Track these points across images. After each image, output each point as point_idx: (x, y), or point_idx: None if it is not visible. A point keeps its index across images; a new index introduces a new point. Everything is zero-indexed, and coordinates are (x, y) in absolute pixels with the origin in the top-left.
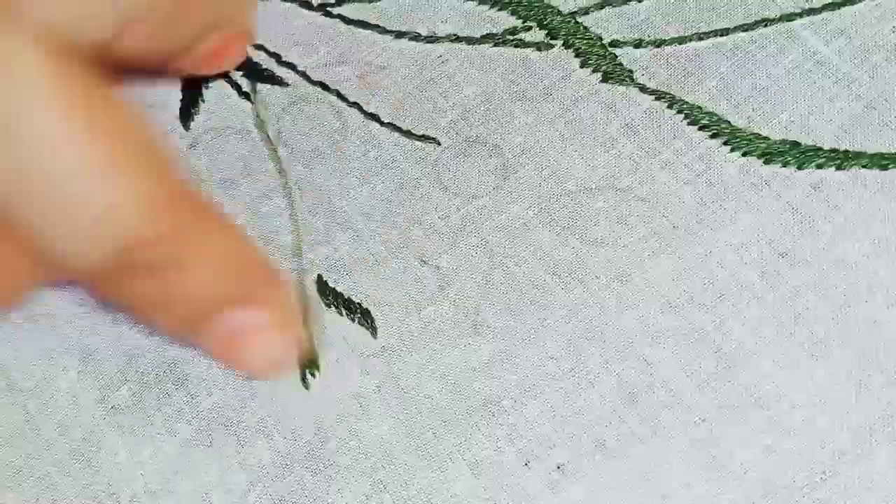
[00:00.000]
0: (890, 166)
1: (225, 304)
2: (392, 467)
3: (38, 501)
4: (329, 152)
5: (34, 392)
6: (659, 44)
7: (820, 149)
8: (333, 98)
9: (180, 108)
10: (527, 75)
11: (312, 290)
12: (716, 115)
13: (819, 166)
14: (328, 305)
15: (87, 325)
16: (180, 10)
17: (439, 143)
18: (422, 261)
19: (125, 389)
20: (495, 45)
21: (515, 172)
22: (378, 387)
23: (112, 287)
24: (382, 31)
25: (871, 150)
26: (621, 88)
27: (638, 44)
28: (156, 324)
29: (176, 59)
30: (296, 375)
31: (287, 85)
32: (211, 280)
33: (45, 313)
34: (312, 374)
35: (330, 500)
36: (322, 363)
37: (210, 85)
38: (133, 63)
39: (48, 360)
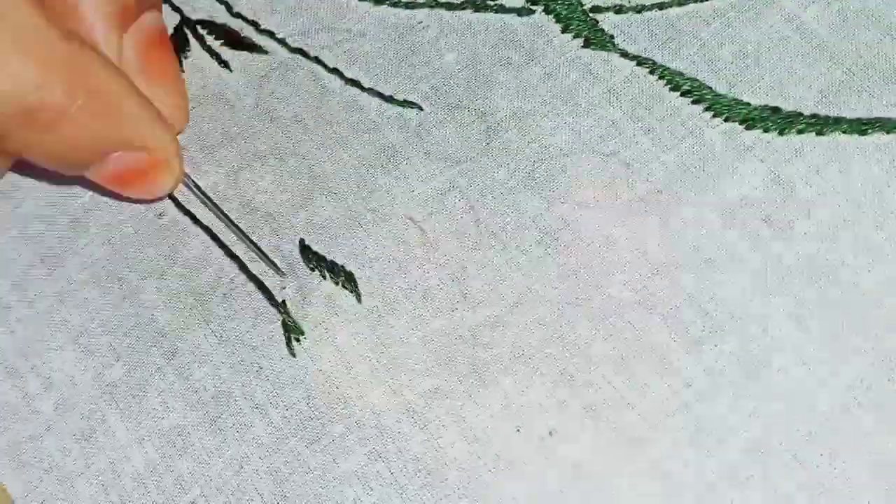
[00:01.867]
0: (869, 131)
1: (108, 148)
2: (385, 436)
3: (42, 482)
4: (309, 118)
5: (32, 373)
6: (640, 9)
7: (801, 114)
8: (313, 65)
9: None
10: (508, 41)
11: (295, 252)
12: (697, 80)
13: (800, 132)
14: (311, 269)
15: (77, 301)
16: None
17: (422, 109)
18: (410, 219)
19: (119, 366)
20: (476, 10)
21: (499, 137)
22: (366, 353)
23: (12, 142)
24: None
25: (850, 116)
26: (603, 54)
27: (619, 9)
28: (53, 169)
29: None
30: (282, 341)
31: (266, 52)
32: (96, 128)
33: (37, 292)
34: (297, 340)
35: (325, 471)
36: (307, 328)
37: (189, 54)
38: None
39: (42, 340)
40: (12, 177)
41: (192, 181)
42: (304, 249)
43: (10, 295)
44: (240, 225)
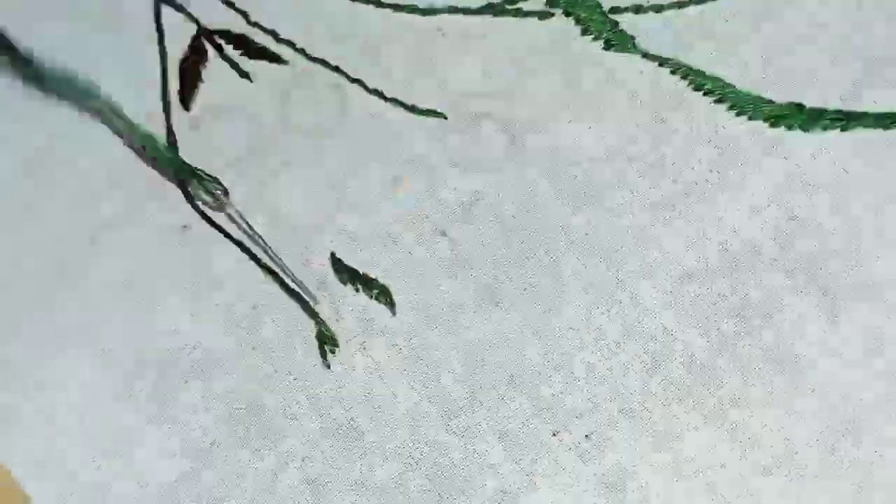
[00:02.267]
0: (893, 125)
1: None
2: (422, 443)
3: (73, 495)
4: (333, 129)
5: (56, 386)
6: (659, 9)
7: (825, 110)
8: (335, 75)
9: (179, 90)
10: (528, 46)
11: (327, 267)
12: (719, 79)
13: (824, 128)
14: (344, 283)
15: (101, 314)
16: None
17: (445, 118)
18: (442, 233)
19: (146, 378)
20: (495, 15)
21: (524, 145)
22: (400, 364)
23: None
24: (380, 4)
25: (873, 111)
26: (625, 56)
27: (638, 9)
28: None
29: None
30: (315, 352)
31: (286, 62)
32: None
33: (59, 306)
34: (332, 352)
35: (363, 479)
36: (341, 341)
37: (208, 65)
38: None
39: (65, 354)
40: (31, 194)
41: (238, 213)
42: (337, 263)
43: (33, 308)
44: (269, 238)
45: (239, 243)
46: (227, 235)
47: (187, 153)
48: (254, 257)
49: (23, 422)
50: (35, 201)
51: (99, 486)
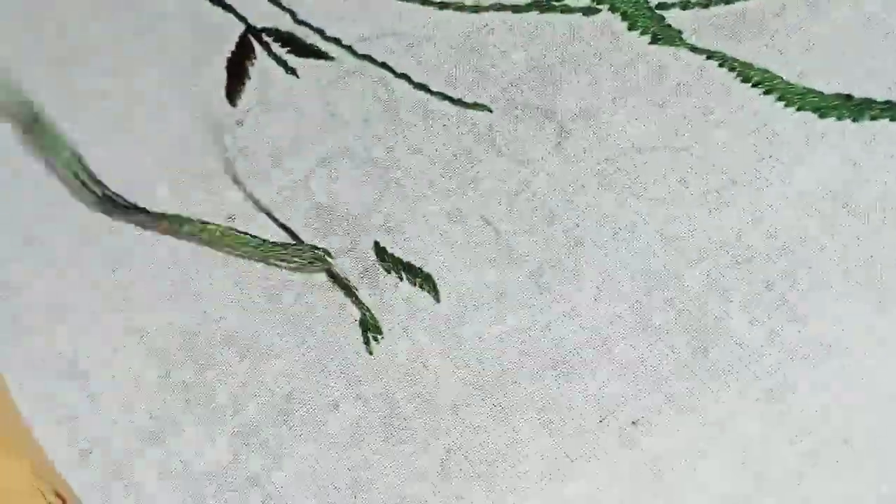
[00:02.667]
0: None
1: None
2: (465, 430)
3: (111, 483)
4: (379, 123)
5: (98, 374)
6: (706, 4)
7: (873, 101)
8: (381, 70)
9: (226, 86)
10: (575, 40)
11: (372, 256)
12: (768, 71)
13: (873, 118)
14: (388, 270)
15: (143, 302)
16: None
17: (491, 111)
18: (485, 221)
19: (189, 365)
20: (541, 11)
21: (570, 136)
22: (444, 350)
23: None
24: (425, 2)
25: None
26: (671, 49)
27: (685, 5)
28: None
29: None
30: (357, 339)
31: (333, 59)
32: None
33: (101, 294)
34: (375, 339)
35: (405, 466)
36: (385, 328)
37: (255, 62)
38: None
39: (108, 342)
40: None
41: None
42: (381, 252)
43: (75, 297)
44: (314, 228)
45: (286, 227)
46: (274, 220)
47: (233, 149)
48: (300, 244)
49: (67, 410)
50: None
51: (138, 474)
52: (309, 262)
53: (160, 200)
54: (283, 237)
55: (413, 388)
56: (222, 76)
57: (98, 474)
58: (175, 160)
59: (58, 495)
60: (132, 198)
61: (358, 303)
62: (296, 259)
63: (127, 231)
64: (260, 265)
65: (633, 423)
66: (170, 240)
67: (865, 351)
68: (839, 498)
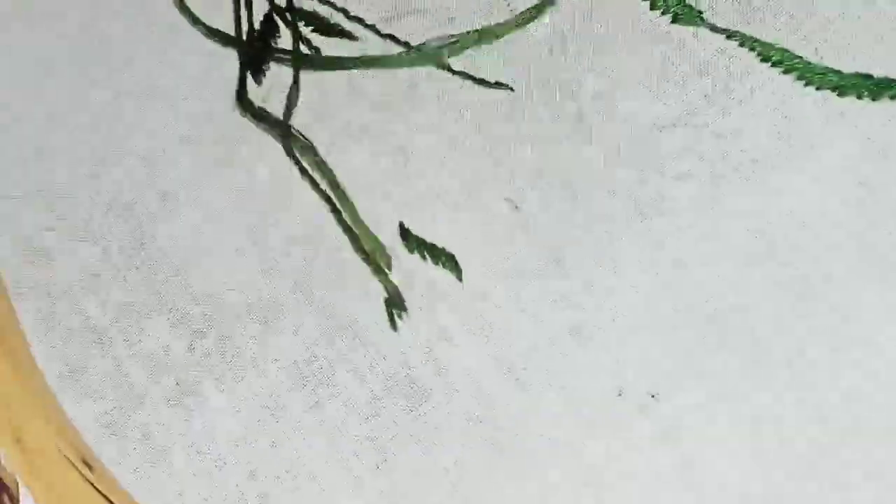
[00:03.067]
0: None
1: None
2: (484, 399)
3: (136, 450)
4: (401, 101)
5: (124, 343)
6: None
7: (893, 80)
8: (404, 49)
9: (251, 65)
10: (596, 19)
11: (395, 234)
12: (787, 51)
13: (893, 97)
14: (411, 251)
15: (168, 273)
16: None
17: (512, 90)
18: (506, 199)
19: (212, 335)
20: None
21: (590, 114)
22: (463, 321)
23: None
24: None
25: None
26: (691, 29)
27: None
28: None
29: None
30: (380, 312)
31: (356, 39)
32: None
33: (127, 263)
34: (400, 316)
35: (426, 436)
36: (409, 306)
37: (279, 41)
38: None
39: (135, 311)
40: (102, 151)
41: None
42: (404, 231)
43: (101, 266)
44: (334, 202)
45: (322, 192)
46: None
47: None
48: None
49: (95, 377)
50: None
51: (163, 441)
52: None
53: (186, 170)
54: (303, 209)
55: (435, 362)
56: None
57: (127, 444)
58: (200, 133)
59: (85, 462)
60: (155, 171)
61: (386, 280)
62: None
63: (149, 195)
64: None
65: (652, 395)
66: (190, 213)
67: (884, 327)
68: (855, 466)
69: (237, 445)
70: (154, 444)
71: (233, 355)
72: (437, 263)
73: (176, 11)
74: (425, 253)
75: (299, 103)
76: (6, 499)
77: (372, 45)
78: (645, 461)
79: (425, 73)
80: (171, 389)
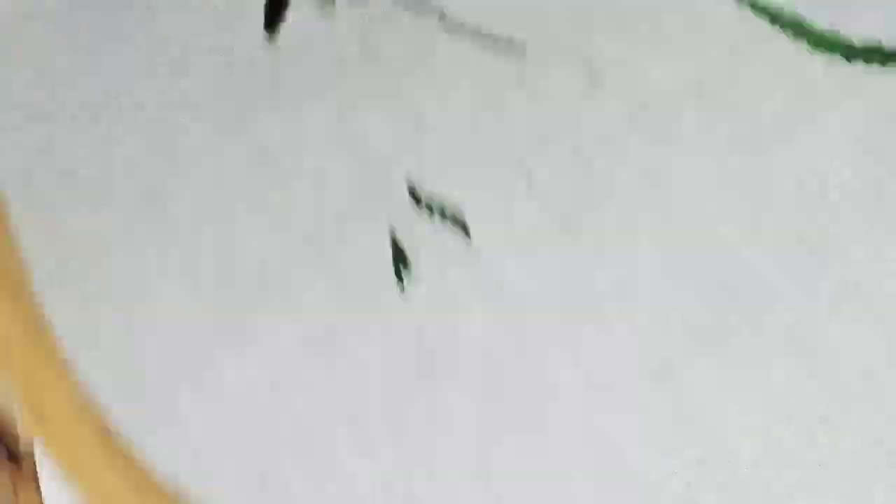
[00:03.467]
0: None
1: None
2: (501, 376)
3: (151, 416)
4: (414, 63)
5: (139, 305)
6: None
7: None
8: (420, 7)
9: (265, 19)
10: None
11: (405, 194)
12: (797, 18)
13: None
14: (420, 210)
15: (184, 242)
16: None
17: (525, 53)
18: (518, 163)
19: (226, 297)
20: None
21: (603, 80)
22: (477, 290)
23: None
24: None
25: None
26: None
27: None
28: None
29: None
30: (391, 276)
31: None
32: None
33: (144, 234)
34: (408, 277)
35: (442, 413)
36: (417, 266)
37: (291, 1)
38: None
39: (148, 275)
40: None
41: None
42: (412, 191)
43: (118, 230)
44: (349, 163)
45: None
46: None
47: (272, 85)
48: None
49: (112, 352)
50: (114, 134)
51: (183, 408)
52: None
53: (202, 133)
54: (317, 171)
55: (444, 324)
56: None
57: (142, 406)
58: (215, 94)
59: (102, 427)
60: (174, 135)
61: (391, 241)
62: None
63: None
64: None
65: (664, 362)
66: (205, 178)
67: (889, 289)
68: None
69: (249, 406)
70: (170, 406)
71: (248, 326)
72: (446, 223)
73: None
74: (434, 212)
75: (316, 66)
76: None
77: (386, 5)
78: (659, 432)
79: (441, 34)
80: (183, 355)
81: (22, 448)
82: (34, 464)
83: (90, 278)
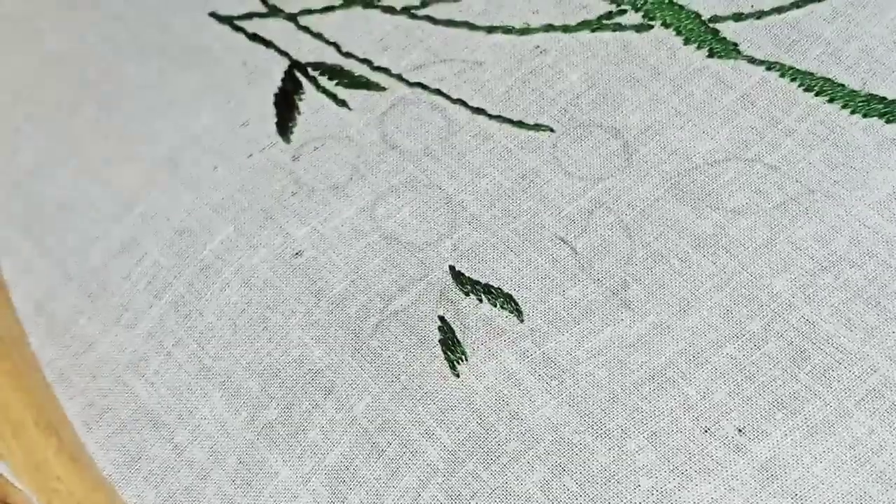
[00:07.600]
0: None
1: None
2: (567, 449)
3: None
4: (439, 150)
5: (179, 423)
6: (759, 15)
7: None
8: (435, 97)
9: (277, 122)
10: (630, 57)
11: (446, 279)
12: (829, 79)
13: None
14: (466, 293)
15: (219, 346)
16: None
17: (553, 131)
18: (560, 239)
19: (273, 406)
20: (592, 30)
21: (637, 152)
22: (534, 369)
23: None
24: (473, 27)
25: None
26: (730, 62)
27: (738, 17)
28: None
29: None
30: (443, 364)
31: (384, 89)
32: None
33: (174, 341)
34: (459, 362)
35: (509, 490)
36: (468, 350)
37: (303, 96)
38: None
39: (186, 389)
40: (134, 229)
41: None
42: (457, 275)
43: (146, 346)
44: (383, 257)
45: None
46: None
47: (292, 184)
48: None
49: (154, 462)
50: (138, 235)
51: None
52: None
53: (224, 240)
54: (351, 268)
55: (507, 409)
56: (271, 112)
57: None
58: (234, 201)
59: None
60: (194, 244)
61: (441, 325)
62: None
63: (190, 268)
64: None
65: (739, 430)
66: (234, 281)
67: None
68: None
69: None
70: None
71: (299, 426)
72: (494, 305)
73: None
74: (482, 294)
75: (336, 162)
76: None
77: (402, 94)
78: (746, 501)
79: (462, 121)
80: (233, 468)
81: None
82: None
83: (125, 396)
